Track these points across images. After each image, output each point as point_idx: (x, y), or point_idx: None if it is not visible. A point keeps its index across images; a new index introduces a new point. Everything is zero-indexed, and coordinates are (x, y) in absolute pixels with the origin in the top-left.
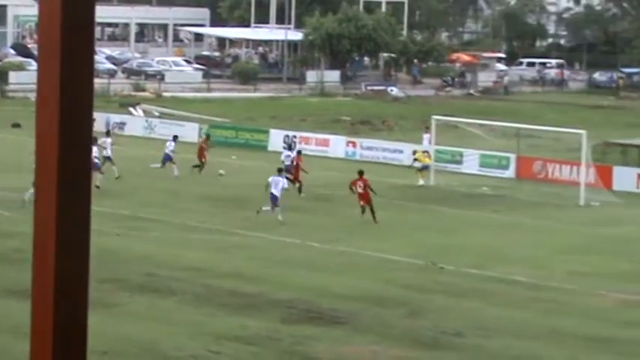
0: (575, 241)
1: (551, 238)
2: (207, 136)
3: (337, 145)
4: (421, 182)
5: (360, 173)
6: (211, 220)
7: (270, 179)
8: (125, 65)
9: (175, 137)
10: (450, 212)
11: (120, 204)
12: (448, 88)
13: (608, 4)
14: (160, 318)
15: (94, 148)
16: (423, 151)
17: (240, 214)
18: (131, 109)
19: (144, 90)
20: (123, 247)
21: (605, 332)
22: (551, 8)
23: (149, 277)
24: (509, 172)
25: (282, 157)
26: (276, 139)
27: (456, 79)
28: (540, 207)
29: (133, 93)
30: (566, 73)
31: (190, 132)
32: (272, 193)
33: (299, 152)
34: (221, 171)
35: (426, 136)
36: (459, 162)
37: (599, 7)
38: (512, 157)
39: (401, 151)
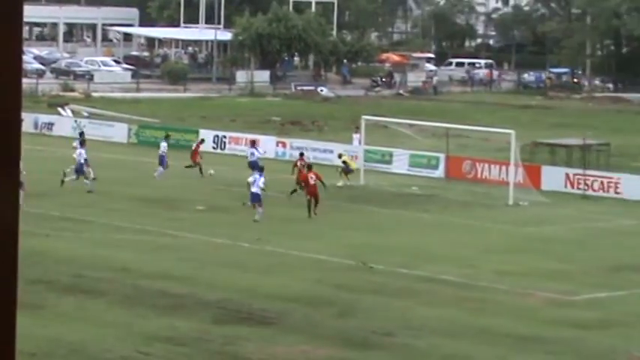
0: (504, 241)
1: (481, 237)
2: (202, 140)
3: (267, 146)
4: (340, 183)
5: (309, 167)
6: (141, 221)
7: (250, 179)
8: (53, 65)
9: (167, 136)
10: (380, 212)
11: (50, 205)
12: (378, 88)
13: (537, 5)
14: (89, 319)
15: (82, 151)
16: (351, 156)
17: (170, 215)
18: (60, 109)
19: (72, 90)
20: (52, 248)
21: (534, 331)
22: (480, 9)
23: (78, 278)
24: (439, 172)
25: (247, 155)
26: (206, 139)
27: (383, 79)
28: (469, 207)
29: (61, 93)
30: (495, 73)
31: (119, 132)
32: (252, 192)
33: (301, 154)
34: (211, 171)
35: (356, 136)
36: (389, 162)
37: (527, 8)
38: (442, 157)
39: (331, 151)
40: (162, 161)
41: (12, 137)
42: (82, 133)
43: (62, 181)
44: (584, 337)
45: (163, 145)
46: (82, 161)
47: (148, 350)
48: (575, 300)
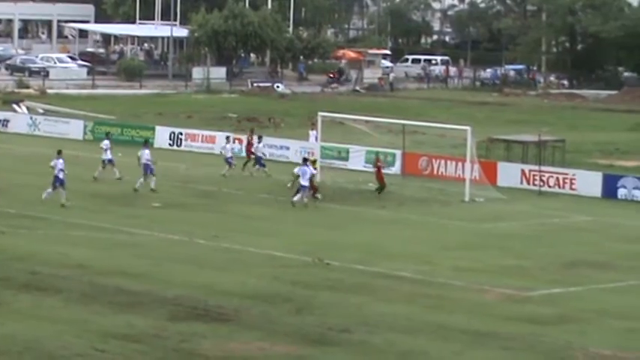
0: (460, 237)
1: (437, 234)
2: (252, 130)
3: (223, 142)
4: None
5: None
6: (97, 218)
7: (296, 170)
8: (8, 62)
9: (228, 138)
10: (337, 208)
11: (5, 202)
12: (334, 85)
13: (492, 2)
14: (45, 316)
15: (146, 151)
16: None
17: (126, 212)
18: (15, 106)
19: (28, 87)
20: (7, 245)
21: (490, 327)
22: (436, 5)
23: (34, 276)
24: (395, 169)
25: (259, 148)
26: (161, 135)
27: (332, 76)
28: (426, 203)
29: (16, 90)
30: (452, 69)
31: (75, 129)
32: (302, 185)
33: (377, 154)
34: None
35: (312, 133)
36: (345, 158)
37: (483, 5)
38: (398, 153)
39: (287, 148)
40: (228, 162)
41: None
42: (108, 133)
43: (135, 189)
44: (540, 333)
45: (228, 147)
46: (146, 162)
47: (104, 347)
48: (532, 296)
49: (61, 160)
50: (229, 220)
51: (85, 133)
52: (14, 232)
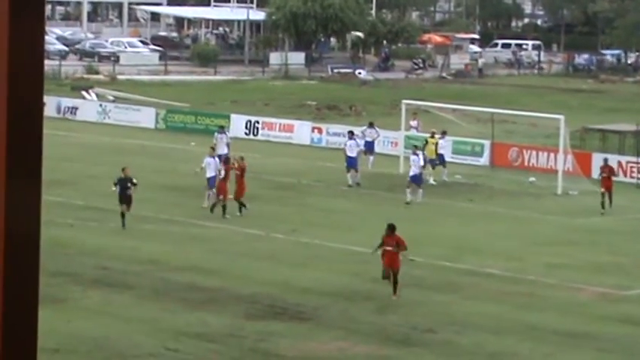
0: (552, 232)
1: (528, 228)
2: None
3: (302, 131)
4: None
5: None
6: (170, 211)
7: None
8: (77, 46)
9: (372, 124)
10: (421, 201)
11: (74, 193)
12: (419, 71)
13: None
14: (115, 314)
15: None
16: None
17: (200, 204)
18: (84, 92)
19: (97, 72)
20: (76, 239)
21: (584, 328)
22: None
23: (103, 271)
24: (484, 160)
25: (347, 148)
26: (237, 124)
27: (415, 63)
28: (516, 196)
29: (85, 76)
30: (544, 54)
31: (147, 117)
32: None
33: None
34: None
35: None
36: None
37: None
38: (487, 143)
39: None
40: (371, 148)
41: (33, 122)
42: (222, 127)
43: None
44: (636, 334)
45: (369, 131)
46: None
47: (177, 347)
48: (628, 295)
49: (215, 159)
50: (308, 213)
51: (157, 122)
52: (83, 226)
